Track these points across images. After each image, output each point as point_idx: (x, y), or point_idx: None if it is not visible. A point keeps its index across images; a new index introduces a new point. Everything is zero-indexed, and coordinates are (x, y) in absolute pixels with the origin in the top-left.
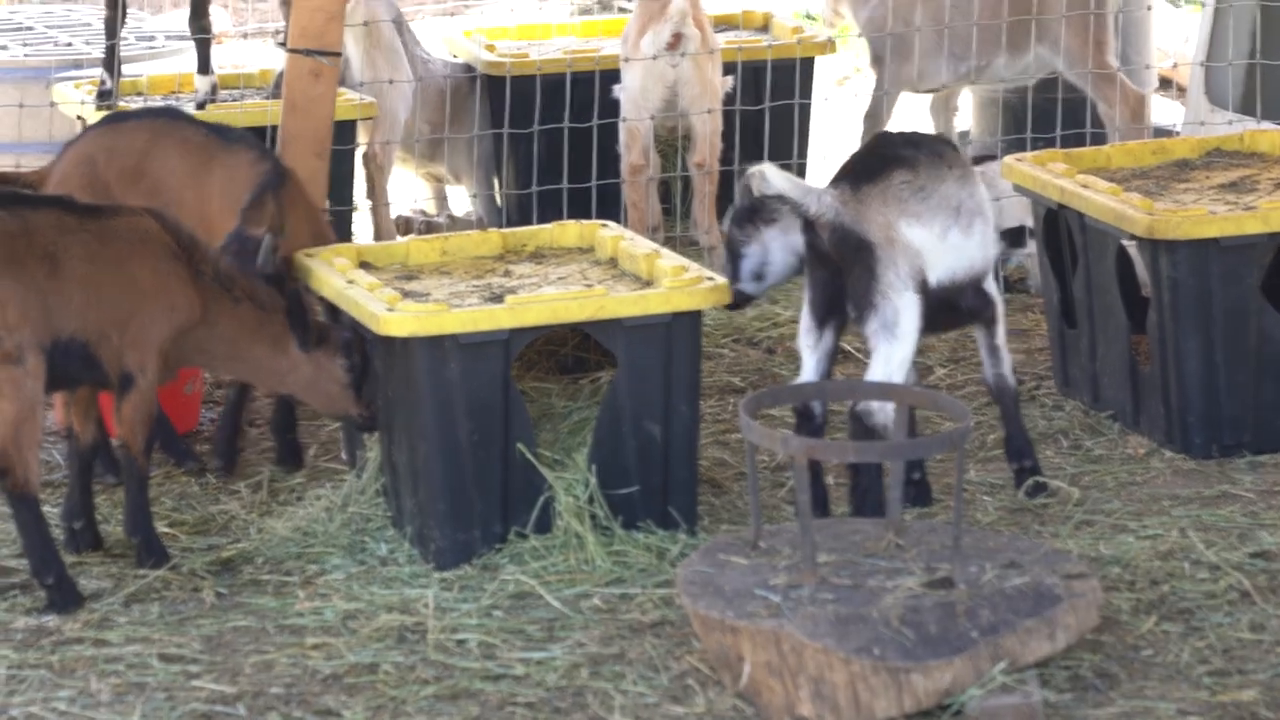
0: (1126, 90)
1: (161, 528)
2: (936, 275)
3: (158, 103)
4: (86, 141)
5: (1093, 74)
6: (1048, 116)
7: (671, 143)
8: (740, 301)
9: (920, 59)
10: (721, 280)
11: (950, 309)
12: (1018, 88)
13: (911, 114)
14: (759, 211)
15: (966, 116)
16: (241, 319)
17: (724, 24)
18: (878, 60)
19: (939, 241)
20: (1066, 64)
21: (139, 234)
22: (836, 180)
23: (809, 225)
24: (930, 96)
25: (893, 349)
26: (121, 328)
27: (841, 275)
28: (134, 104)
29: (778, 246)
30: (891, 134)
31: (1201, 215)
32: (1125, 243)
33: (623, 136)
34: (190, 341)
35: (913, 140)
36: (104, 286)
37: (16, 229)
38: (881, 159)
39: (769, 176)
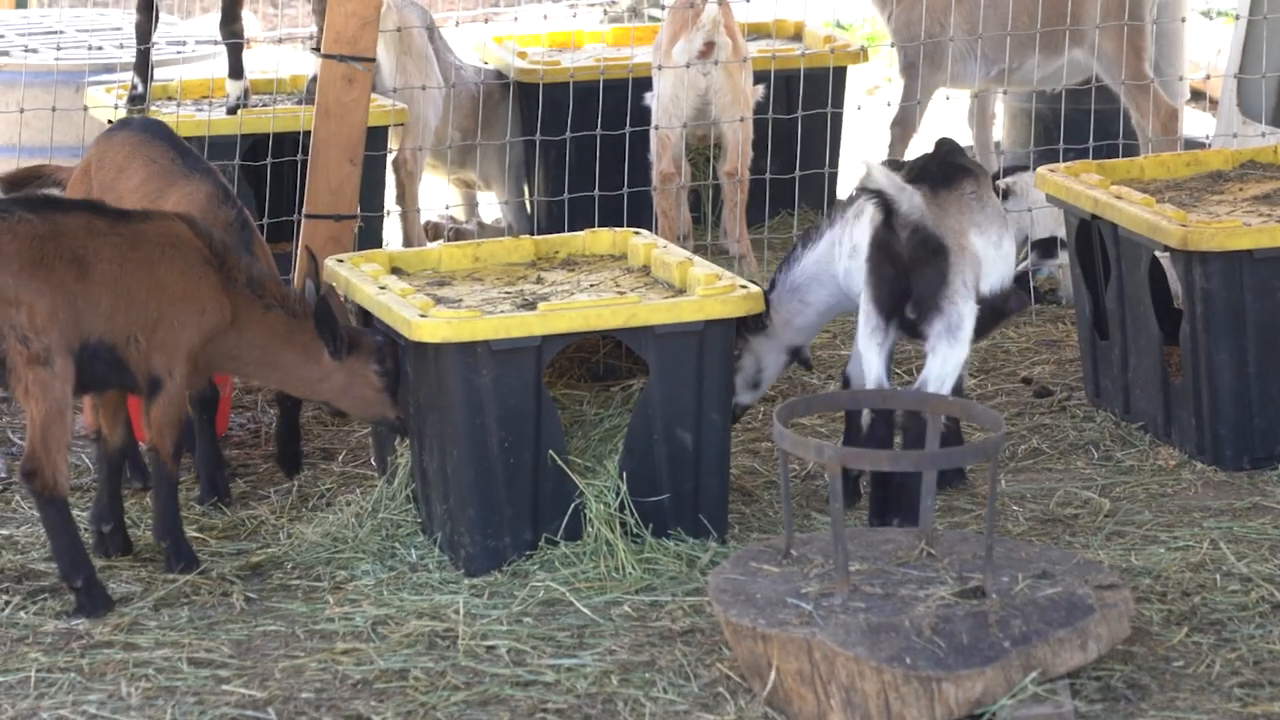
0: (1160, 101)
1: (191, 532)
2: (989, 284)
3: (189, 108)
4: (92, 148)
5: (1126, 84)
6: (1079, 127)
7: (703, 151)
8: (738, 414)
9: (953, 62)
10: (755, 289)
11: (996, 315)
12: (1050, 98)
13: (939, 122)
14: (744, 323)
15: (998, 127)
16: (272, 326)
17: (756, 33)
18: (909, 66)
19: (994, 251)
20: (1102, 68)
21: (169, 239)
22: (912, 182)
23: (885, 223)
24: (969, 104)
25: (952, 352)
26: (149, 332)
27: (907, 276)
28: (166, 109)
29: (768, 351)
30: (955, 142)
31: (1235, 227)
32: (1158, 254)
33: (654, 144)
34: (221, 347)
35: (960, 150)
36: (132, 290)
37: (46, 232)
38: (953, 167)
39: (873, 172)
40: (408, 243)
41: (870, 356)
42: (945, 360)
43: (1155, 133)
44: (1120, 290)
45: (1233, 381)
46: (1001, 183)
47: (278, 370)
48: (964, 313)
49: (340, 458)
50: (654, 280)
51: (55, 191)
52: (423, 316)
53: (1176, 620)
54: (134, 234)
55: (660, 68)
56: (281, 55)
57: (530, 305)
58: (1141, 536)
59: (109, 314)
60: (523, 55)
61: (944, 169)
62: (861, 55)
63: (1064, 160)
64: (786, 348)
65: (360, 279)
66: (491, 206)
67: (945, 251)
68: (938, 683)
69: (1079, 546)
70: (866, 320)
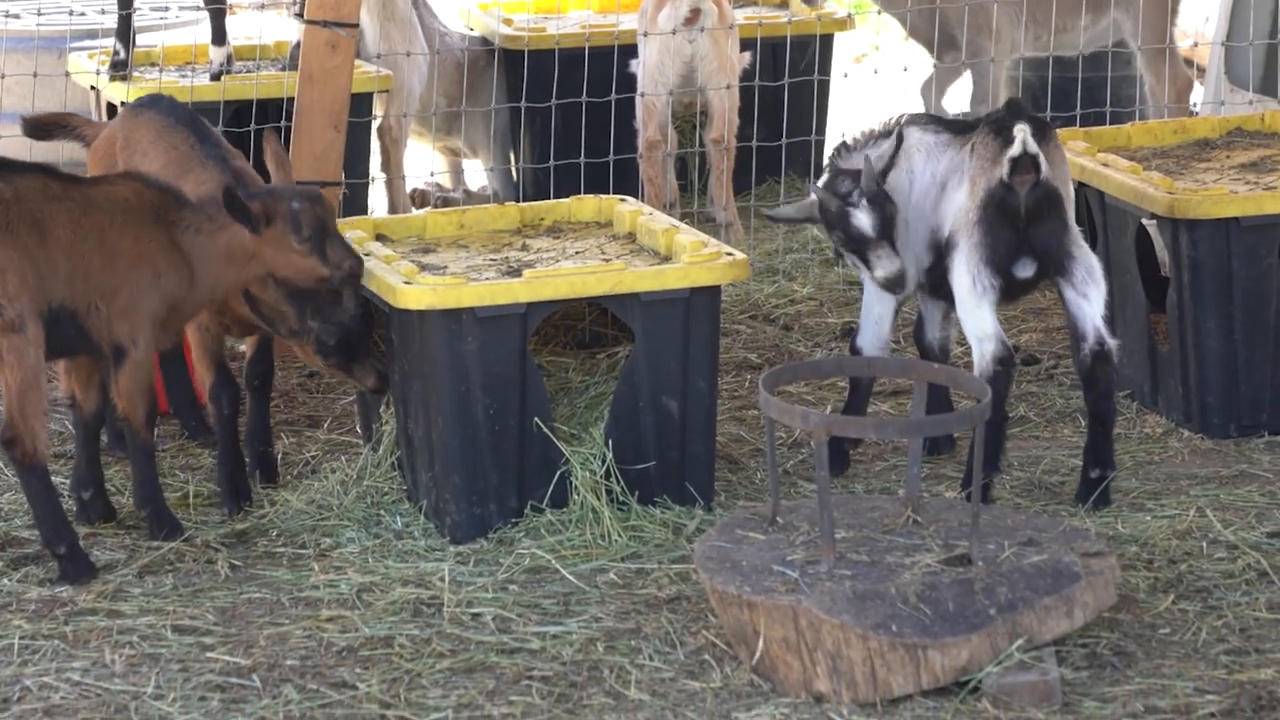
0: (1177, 70)
1: (175, 500)
2: None
3: (172, 74)
4: (119, 120)
5: (1155, 49)
6: (1067, 95)
7: (689, 118)
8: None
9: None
10: (741, 256)
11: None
12: (1037, 65)
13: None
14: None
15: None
16: (205, 246)
17: (742, 0)
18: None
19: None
20: (1134, 30)
21: (119, 204)
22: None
23: (1002, 183)
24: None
25: (1101, 292)
26: (109, 299)
27: (1023, 233)
28: (149, 75)
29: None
30: (1022, 101)
31: (1222, 195)
32: (1145, 221)
33: (640, 112)
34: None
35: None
36: (88, 257)
37: (8, 195)
38: (1038, 120)
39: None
40: (393, 210)
41: (988, 316)
42: (1099, 302)
43: (1171, 99)
44: (1107, 257)
45: (1219, 349)
46: None
47: (223, 283)
48: (1090, 254)
49: (325, 425)
50: (640, 247)
51: (78, 145)
52: (407, 283)
53: (1163, 588)
54: (85, 200)
55: (646, 34)
56: (265, 21)
57: (515, 272)
58: (1128, 504)
59: (68, 280)
60: (508, 22)
61: (1035, 122)
62: (848, 23)
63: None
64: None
65: None
66: (477, 174)
67: (1062, 200)
68: (923, 650)
69: (1065, 514)
70: (974, 283)
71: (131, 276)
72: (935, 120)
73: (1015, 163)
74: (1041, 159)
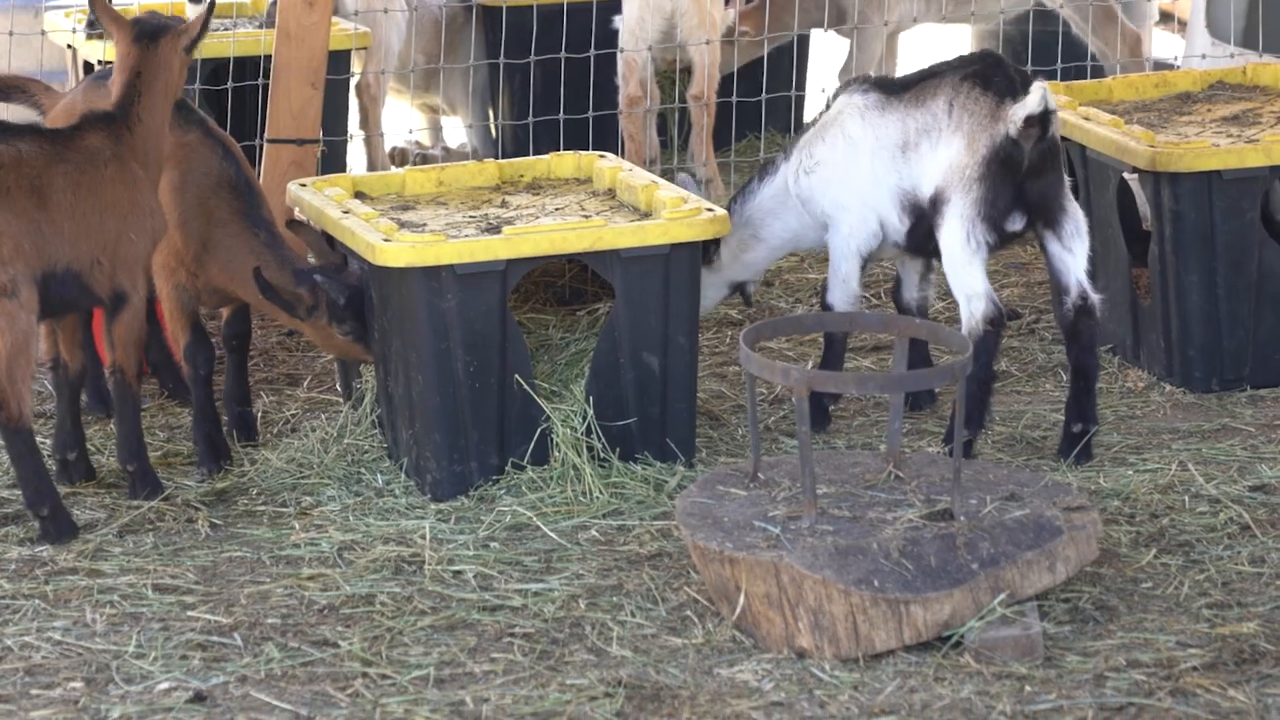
0: (1125, 30)
1: (156, 459)
2: None
3: None
4: (79, 91)
5: (1094, 7)
6: (1048, 49)
7: (670, 75)
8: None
9: None
10: (721, 212)
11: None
12: (1019, 20)
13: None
14: None
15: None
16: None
17: None
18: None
19: None
20: None
21: (106, 153)
22: (1002, 92)
23: (1009, 138)
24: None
25: (1086, 247)
26: (111, 252)
27: (1021, 187)
28: None
29: (710, 284)
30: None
31: (1204, 148)
32: (1126, 175)
33: (620, 68)
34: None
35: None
36: (88, 215)
37: (8, 159)
38: (1021, 73)
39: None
40: (372, 167)
41: (979, 273)
42: (1082, 256)
43: (1124, 56)
44: (1089, 212)
45: (1201, 303)
46: None
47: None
48: (1079, 208)
49: (305, 384)
50: (619, 204)
51: (32, 113)
52: (387, 241)
53: (1145, 542)
54: (78, 156)
55: None
56: None
57: (495, 229)
58: (1110, 459)
59: (73, 242)
60: None
61: (1021, 75)
62: None
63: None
64: (730, 282)
65: (324, 203)
66: (457, 131)
67: (1060, 154)
68: (905, 605)
69: (1047, 469)
70: (968, 239)
71: (128, 225)
72: (868, 81)
73: (1030, 119)
74: (1053, 115)
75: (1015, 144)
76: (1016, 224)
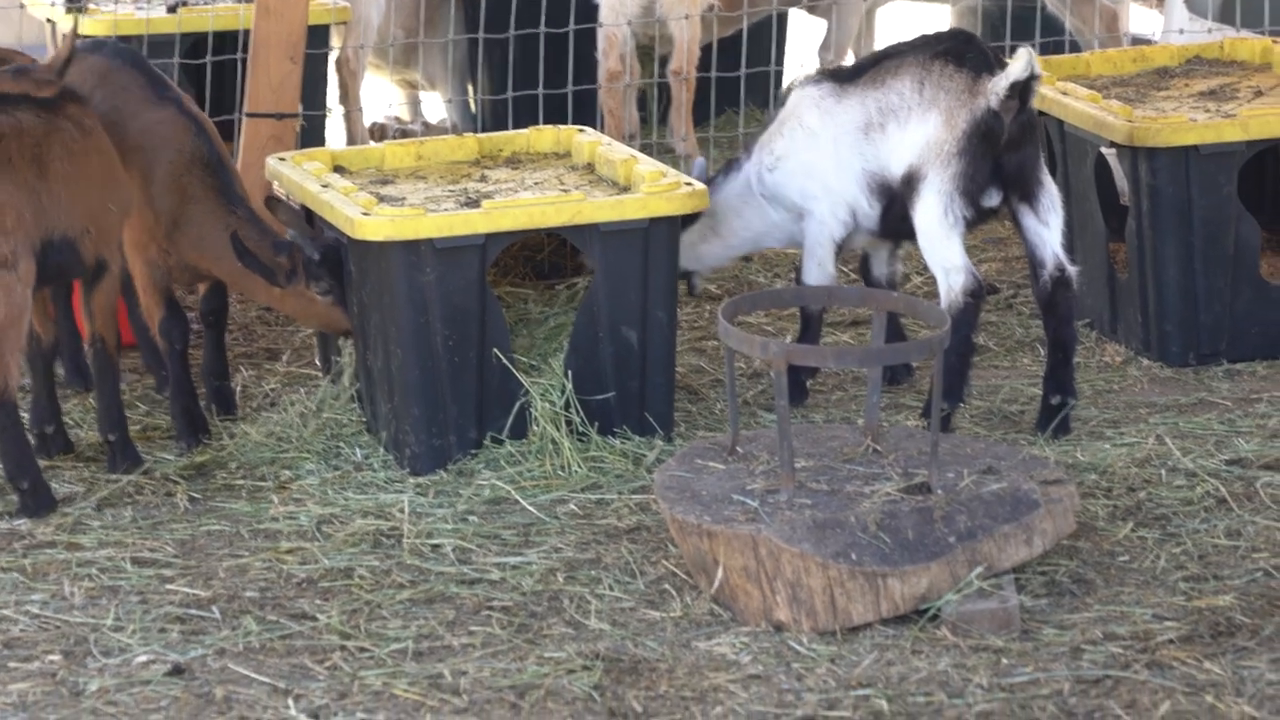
0: (1102, 6)
1: (135, 432)
2: None
3: (127, 7)
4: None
5: None
6: (1026, 24)
7: (650, 50)
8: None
9: None
10: (700, 186)
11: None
12: None
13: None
14: None
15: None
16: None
17: None
18: None
19: None
20: None
21: (86, 123)
22: (980, 68)
23: (990, 111)
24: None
25: (1061, 219)
26: (97, 220)
27: (998, 159)
28: (105, 7)
29: None
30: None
31: (1181, 123)
32: (1104, 150)
33: (601, 43)
34: None
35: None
36: (81, 183)
37: (8, 129)
38: (993, 50)
39: (1035, 60)
40: (351, 142)
41: (957, 247)
42: (1058, 229)
43: (1101, 32)
44: (1066, 187)
45: (1178, 277)
46: None
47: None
48: (1052, 181)
49: (284, 358)
50: (598, 178)
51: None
52: (366, 215)
53: (1122, 515)
54: (69, 125)
55: None
56: None
57: (474, 203)
58: (1087, 432)
59: (68, 209)
60: None
61: (993, 51)
62: None
63: (1009, 56)
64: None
65: (302, 177)
66: (436, 106)
67: (1038, 128)
68: (883, 578)
69: (1025, 442)
70: (946, 214)
71: (108, 195)
72: (819, 73)
73: (1014, 87)
74: (1036, 83)
75: (996, 117)
76: (993, 199)
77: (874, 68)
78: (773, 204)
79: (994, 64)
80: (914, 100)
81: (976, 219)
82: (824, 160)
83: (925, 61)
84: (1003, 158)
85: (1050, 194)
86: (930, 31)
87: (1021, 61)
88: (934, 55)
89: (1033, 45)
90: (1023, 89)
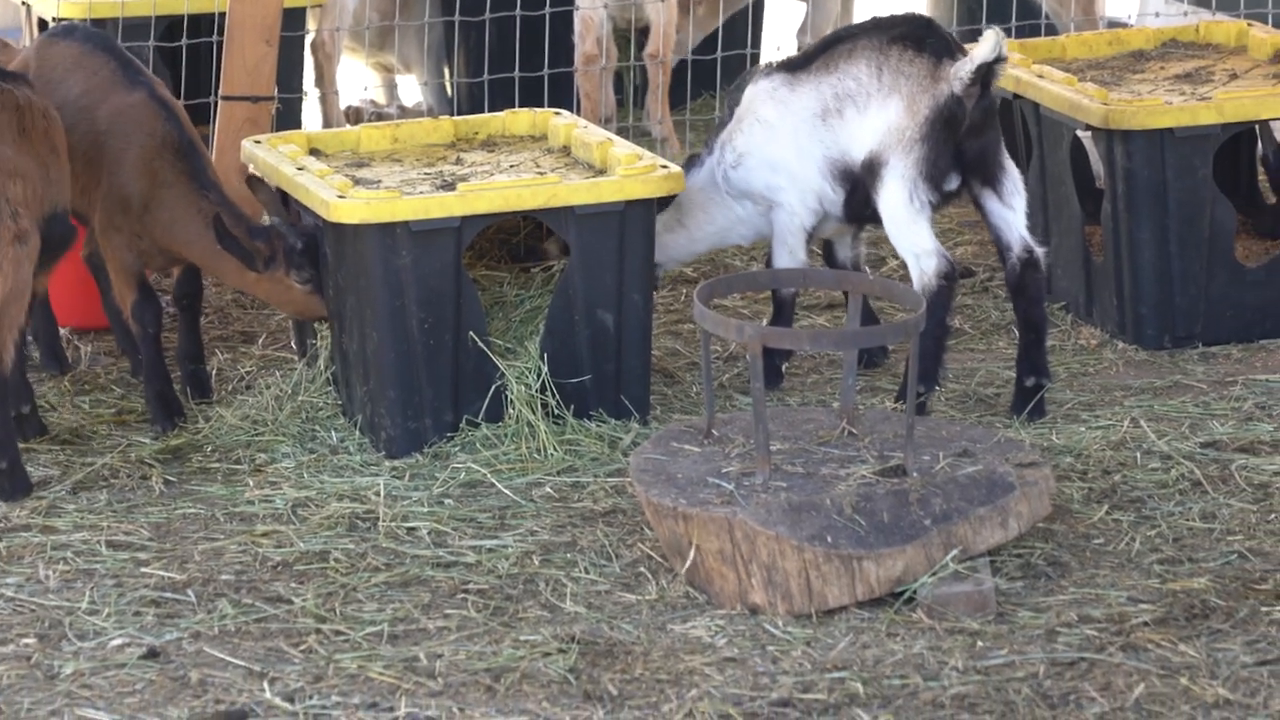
0: None
1: (110, 415)
2: None
3: None
4: (32, 50)
5: None
6: (1002, 7)
7: (626, 33)
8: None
9: None
10: (676, 169)
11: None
12: None
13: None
14: None
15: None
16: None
17: None
18: None
19: None
20: None
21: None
22: (943, 53)
23: (953, 96)
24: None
25: (1024, 201)
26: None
27: (960, 144)
28: None
29: None
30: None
31: (1157, 105)
32: (1080, 133)
33: (577, 26)
34: None
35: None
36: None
37: (23, 101)
38: (950, 34)
39: (1003, 41)
40: (327, 125)
41: (926, 231)
42: (1022, 212)
43: (1076, 15)
44: (1042, 170)
45: (1154, 260)
46: None
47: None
48: (1014, 164)
49: (260, 341)
50: (574, 161)
51: None
52: (341, 197)
53: (1097, 498)
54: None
55: None
56: None
57: (450, 186)
58: (1063, 415)
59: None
60: None
61: (952, 37)
62: None
63: None
64: None
65: (278, 160)
66: (412, 89)
67: (997, 111)
68: (858, 561)
69: (1000, 425)
70: (911, 199)
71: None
72: (770, 66)
73: (979, 70)
74: (999, 67)
75: (959, 103)
76: (953, 183)
77: (825, 53)
78: (739, 200)
79: (954, 49)
80: (873, 86)
81: (940, 203)
82: (785, 151)
83: (881, 46)
84: (964, 143)
85: (1012, 177)
86: (883, 14)
87: (989, 43)
88: (891, 40)
89: (1007, 28)
90: (986, 73)
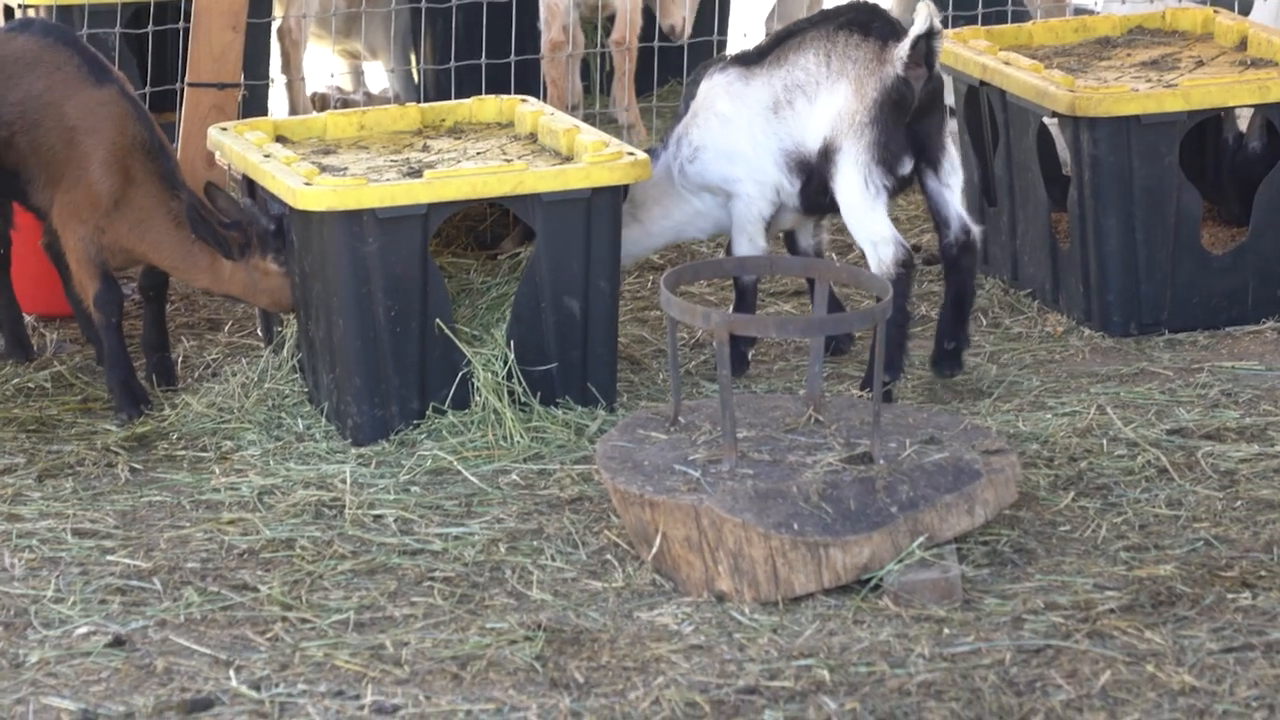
0: None
1: (75, 403)
2: None
3: None
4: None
5: None
6: None
7: (592, 20)
8: None
9: None
10: (643, 156)
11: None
12: None
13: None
14: None
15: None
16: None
17: None
18: None
19: None
20: None
21: None
22: (887, 36)
23: (899, 78)
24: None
25: (961, 180)
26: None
27: (910, 127)
28: None
29: None
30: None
31: (1123, 93)
32: (1046, 120)
33: (543, 13)
34: None
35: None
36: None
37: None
38: (894, 18)
39: (935, 15)
40: (293, 112)
41: (882, 218)
42: (959, 190)
43: (1044, 1)
44: (1008, 157)
45: (1120, 248)
46: None
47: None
48: (953, 145)
49: (226, 328)
50: (541, 148)
51: None
52: (307, 185)
53: (1063, 485)
54: None
55: None
56: None
57: (416, 173)
58: (1029, 402)
59: None
60: None
61: (899, 22)
62: None
63: (953, 27)
64: None
65: (244, 147)
66: (379, 76)
67: (943, 92)
68: (825, 548)
69: (967, 412)
70: (866, 185)
71: None
72: (723, 60)
73: (916, 44)
74: (938, 40)
75: (906, 84)
76: (906, 167)
77: (777, 47)
78: (697, 194)
79: (901, 32)
80: (821, 74)
81: (896, 188)
82: (741, 144)
83: (829, 34)
84: (913, 125)
85: (951, 157)
86: (835, 5)
87: (921, 17)
88: (838, 27)
89: (974, 15)
90: (927, 51)
